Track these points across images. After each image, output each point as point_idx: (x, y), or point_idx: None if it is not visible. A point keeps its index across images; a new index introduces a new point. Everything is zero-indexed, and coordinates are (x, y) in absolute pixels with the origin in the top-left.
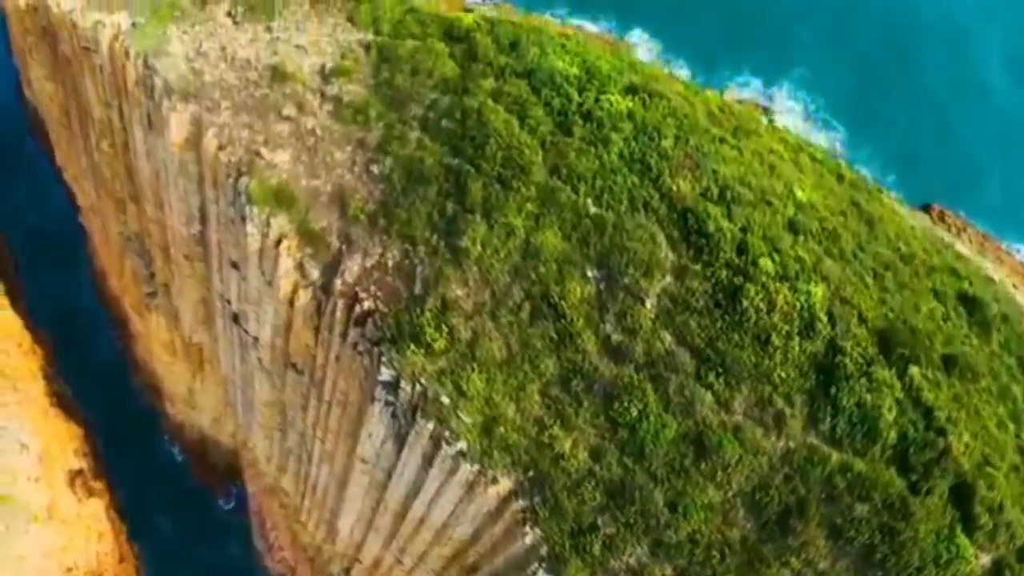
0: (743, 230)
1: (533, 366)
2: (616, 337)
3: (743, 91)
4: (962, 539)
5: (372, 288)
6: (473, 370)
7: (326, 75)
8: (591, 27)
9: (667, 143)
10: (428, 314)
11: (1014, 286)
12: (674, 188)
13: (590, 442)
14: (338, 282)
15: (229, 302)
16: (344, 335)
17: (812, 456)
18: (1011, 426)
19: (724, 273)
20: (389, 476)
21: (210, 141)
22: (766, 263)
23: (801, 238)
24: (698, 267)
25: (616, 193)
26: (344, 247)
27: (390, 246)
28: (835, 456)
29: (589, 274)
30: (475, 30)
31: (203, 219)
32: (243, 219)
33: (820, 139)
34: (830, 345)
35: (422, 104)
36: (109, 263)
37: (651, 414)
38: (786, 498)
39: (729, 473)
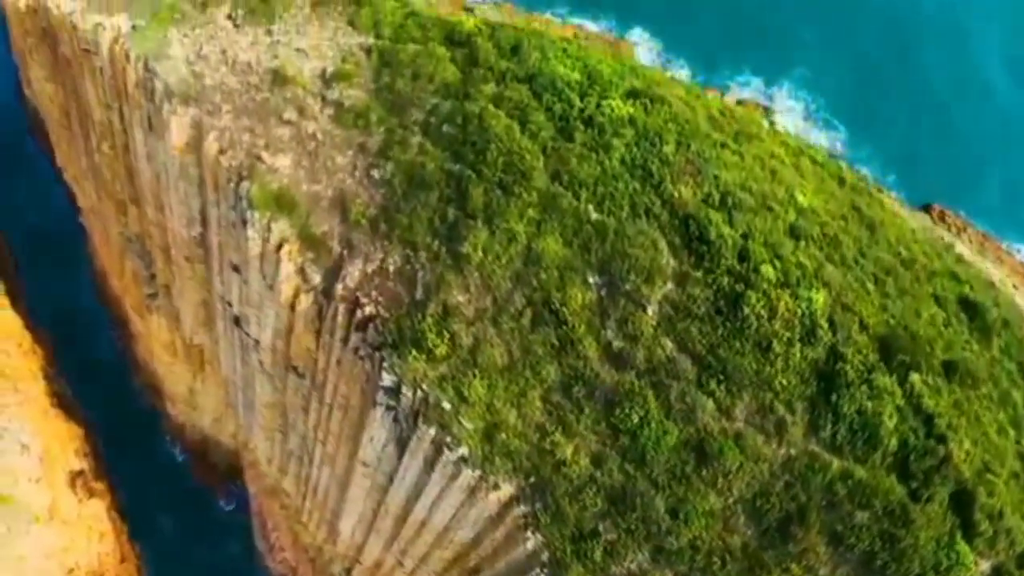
0: (744, 236)
1: (534, 372)
2: (617, 344)
3: (744, 91)
4: (962, 546)
5: (373, 293)
6: (474, 376)
7: (327, 79)
8: (591, 26)
9: (668, 149)
10: (429, 320)
11: (1014, 286)
12: (675, 194)
13: (591, 448)
14: (339, 287)
15: (230, 304)
16: (345, 340)
17: (813, 463)
18: (1011, 432)
19: (725, 280)
20: (390, 480)
21: (211, 145)
22: (767, 270)
23: (802, 244)
24: (699, 274)
25: (617, 199)
26: (345, 252)
27: (391, 251)
28: (836, 463)
29: (590, 280)
30: (476, 34)
31: (204, 222)
32: (244, 223)
33: (821, 139)
34: (831, 352)
35: (423, 109)
36: (109, 264)
37: (652, 421)
38: (787, 505)
39: (730, 480)
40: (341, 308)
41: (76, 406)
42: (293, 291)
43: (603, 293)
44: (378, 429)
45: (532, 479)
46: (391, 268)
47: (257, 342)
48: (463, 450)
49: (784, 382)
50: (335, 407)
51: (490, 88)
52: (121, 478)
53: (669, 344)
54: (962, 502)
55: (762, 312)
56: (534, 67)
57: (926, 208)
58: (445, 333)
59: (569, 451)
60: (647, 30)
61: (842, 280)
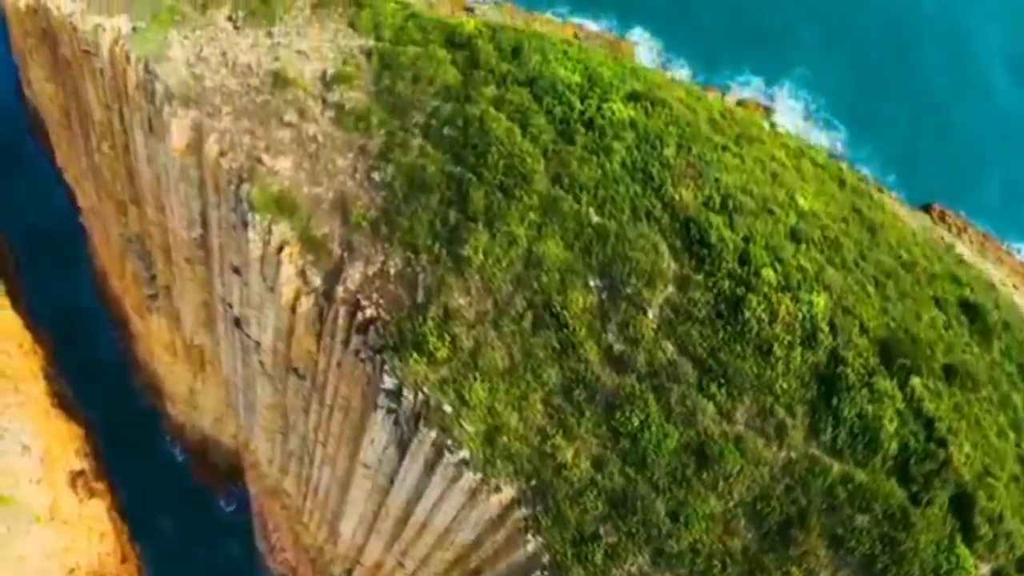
0: (745, 240)
1: (535, 375)
2: (618, 347)
3: (744, 90)
4: (962, 549)
5: (374, 296)
6: (475, 379)
7: (327, 81)
8: (592, 26)
9: (669, 152)
10: (430, 323)
11: (1014, 286)
12: (676, 197)
13: (592, 452)
14: (340, 289)
15: (231, 306)
16: (346, 342)
17: (813, 467)
18: (1011, 435)
19: (726, 283)
20: (391, 481)
21: (211, 147)
22: (768, 273)
23: (803, 247)
24: (700, 277)
25: (618, 202)
26: (346, 254)
27: (392, 254)
28: (836, 467)
29: (591, 284)
30: (477, 37)
31: (204, 223)
32: (245, 225)
33: (821, 138)
34: (832, 355)
35: (424, 111)
36: (110, 264)
37: (653, 424)
38: (787, 508)
39: (730, 483)
40: (342, 310)
41: (76, 406)
42: (294, 293)
43: (604, 296)
44: (379, 431)
45: (533, 482)
46: (392, 271)
47: (258, 343)
48: (464, 453)
49: (785, 385)
50: (336, 409)
51: (491, 91)
52: (122, 478)
53: (670, 347)
54: (962, 505)
55: (763, 315)
56: (535, 70)
57: (926, 208)
58: (446, 336)
59: (570, 454)
60: (647, 30)
61: (843, 283)
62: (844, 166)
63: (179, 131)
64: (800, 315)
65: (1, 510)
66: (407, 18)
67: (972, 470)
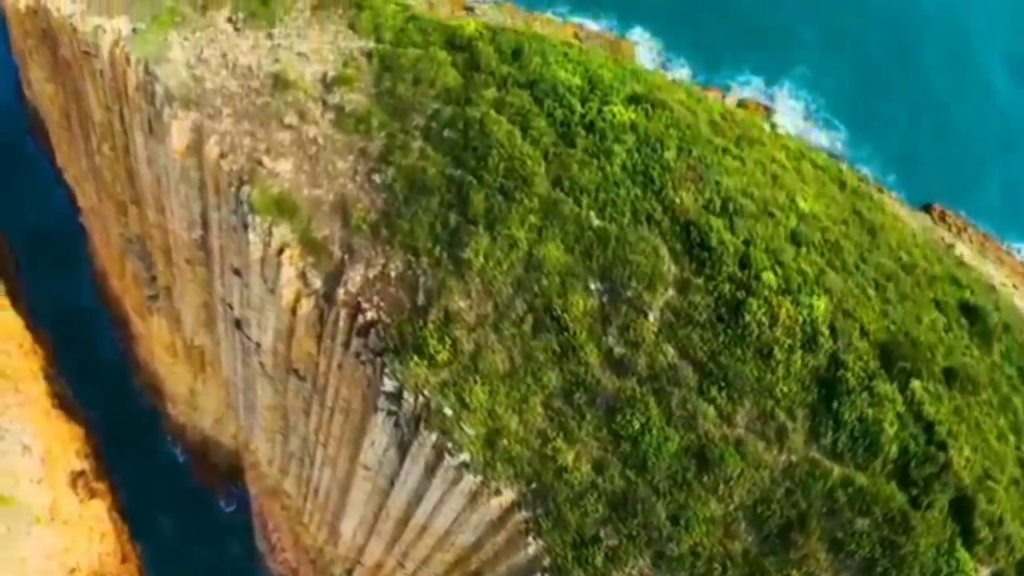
0: (746, 243)
1: (536, 379)
2: (619, 350)
3: (744, 90)
4: (962, 553)
5: (375, 298)
6: (476, 382)
7: (328, 83)
8: (592, 25)
9: (670, 155)
10: (431, 325)
11: (1014, 286)
12: (677, 200)
13: (593, 455)
14: (341, 292)
15: (231, 307)
16: (347, 344)
17: (814, 470)
18: (1011, 438)
19: (727, 287)
20: (391, 483)
21: (211, 149)
22: (769, 276)
23: (803, 250)
24: (701, 280)
25: (619, 205)
26: (346, 257)
27: (392, 256)
28: (836, 470)
29: (592, 287)
30: (477, 39)
31: (205, 225)
32: (245, 227)
33: (821, 138)
34: (832, 359)
35: (424, 114)
36: (110, 264)
37: (654, 427)
38: (787, 512)
39: (731, 486)
40: (342, 313)
41: (77, 406)
42: (294, 295)
43: (604, 299)
44: (379, 434)
45: (533, 485)
46: (392, 273)
47: (258, 345)
48: (464, 456)
49: (785, 389)
50: (336, 411)
51: (491, 93)
52: (122, 478)
53: (670, 351)
54: (962, 509)
55: (763, 319)
56: (535, 72)
57: (926, 208)
58: (447, 339)
59: (570, 457)
60: (648, 29)
61: (843, 286)
62: (844, 167)
63: (179, 133)
64: (800, 318)
65: (2, 510)
66: (407, 20)
67: (972, 473)
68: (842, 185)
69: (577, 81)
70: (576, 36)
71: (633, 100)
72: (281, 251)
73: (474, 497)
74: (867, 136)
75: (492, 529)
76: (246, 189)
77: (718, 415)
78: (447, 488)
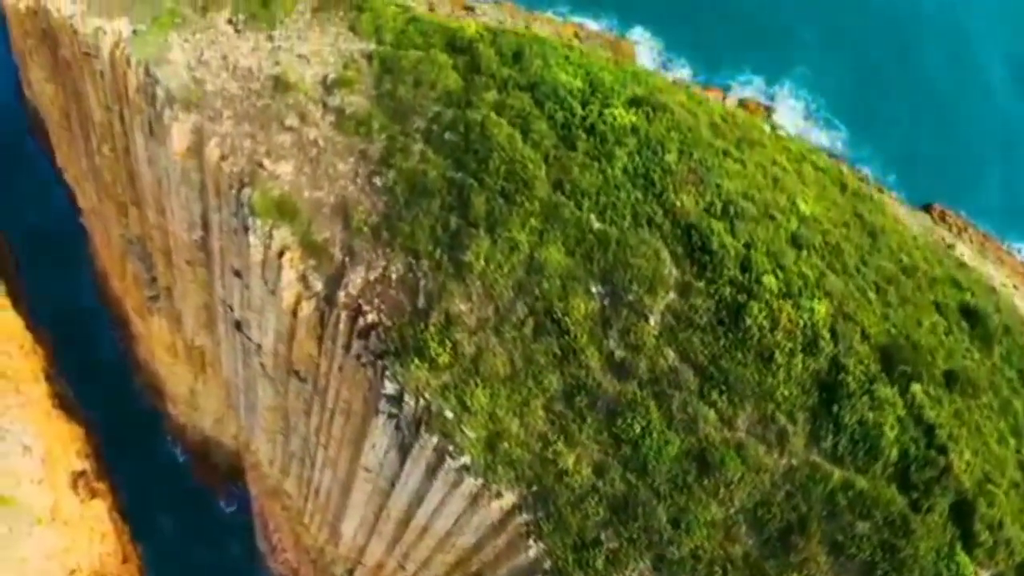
0: (747, 246)
1: (537, 382)
2: (620, 353)
3: (745, 89)
4: (962, 556)
5: (375, 301)
6: (477, 385)
7: (328, 86)
8: (592, 25)
9: (671, 158)
10: (432, 328)
11: (1015, 287)
12: (678, 204)
13: (593, 458)
14: (341, 294)
15: (232, 309)
16: (347, 347)
17: (814, 473)
18: (1012, 441)
19: (728, 290)
20: (392, 485)
21: (212, 151)
22: (769, 280)
23: (804, 253)
24: (702, 284)
25: (620, 209)
26: (347, 259)
27: (393, 259)
28: (837, 473)
29: (593, 290)
30: (478, 41)
31: (205, 226)
32: (246, 229)
33: (821, 138)
34: (832, 363)
35: (425, 116)
36: (110, 265)
37: (654, 431)
38: (788, 515)
39: (731, 490)
40: (343, 315)
41: (77, 407)
42: (295, 298)
43: (605, 303)
44: (380, 436)
45: (534, 488)
46: (393, 276)
47: (259, 346)
48: (465, 459)
49: (786, 392)
50: (337, 412)
51: (492, 96)
52: (122, 479)
53: (671, 354)
54: (962, 512)
55: (764, 323)
56: (536, 75)
57: (927, 208)
58: (447, 342)
59: (571, 460)
60: (648, 29)
61: (844, 289)
62: (845, 168)
63: (180, 135)
64: (801, 322)
65: (2, 511)
66: (408, 22)
67: (972, 477)
68: (843, 187)
69: (578, 84)
70: (576, 36)
71: (634, 103)
72: (282, 253)
73: (475, 500)
74: (867, 136)
75: (493, 531)
76: (247, 191)
77: (719, 418)
78: (448, 490)
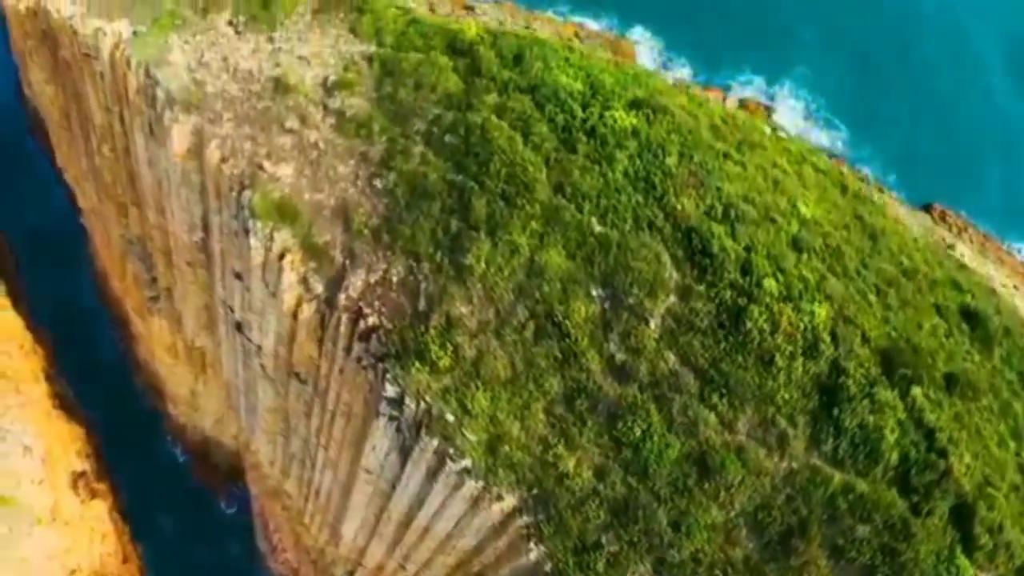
0: (747, 249)
1: (537, 385)
2: (620, 357)
3: (745, 89)
4: (962, 560)
5: (376, 303)
6: (478, 388)
7: (329, 88)
8: (593, 25)
9: (671, 160)
10: (433, 331)
11: (1015, 287)
12: (678, 207)
13: (594, 461)
14: (342, 297)
15: (232, 310)
16: (348, 349)
17: (814, 477)
18: (1012, 444)
19: (728, 294)
20: (393, 487)
21: (212, 153)
22: (770, 283)
23: (805, 256)
24: (702, 287)
25: (620, 212)
26: (348, 262)
27: (394, 262)
28: (837, 477)
29: (593, 293)
30: (479, 43)
31: (206, 228)
32: (246, 232)
33: (822, 138)
34: (833, 366)
35: (425, 119)
36: (111, 265)
37: (655, 434)
38: (788, 518)
39: (732, 493)
40: (344, 318)
41: (77, 407)
42: (295, 300)
43: (606, 306)
44: (381, 438)
45: (535, 491)
46: (394, 279)
47: (259, 348)
48: (466, 462)
49: (786, 396)
50: (338, 414)
51: (492, 98)
52: (123, 479)
53: (672, 357)
54: (962, 516)
55: (764, 326)
56: (536, 77)
57: (927, 208)
58: (448, 345)
59: (572, 463)
60: (648, 29)
61: (844, 292)
62: (846, 170)
63: (180, 136)
64: (801, 325)
65: (3, 511)
66: (408, 24)
67: (972, 480)
68: (843, 189)
69: (578, 86)
70: (576, 35)
71: (634, 105)
72: (282, 256)
73: (476, 502)
74: (867, 136)
75: (494, 534)
76: (247, 194)
77: (719, 422)
78: (449, 493)
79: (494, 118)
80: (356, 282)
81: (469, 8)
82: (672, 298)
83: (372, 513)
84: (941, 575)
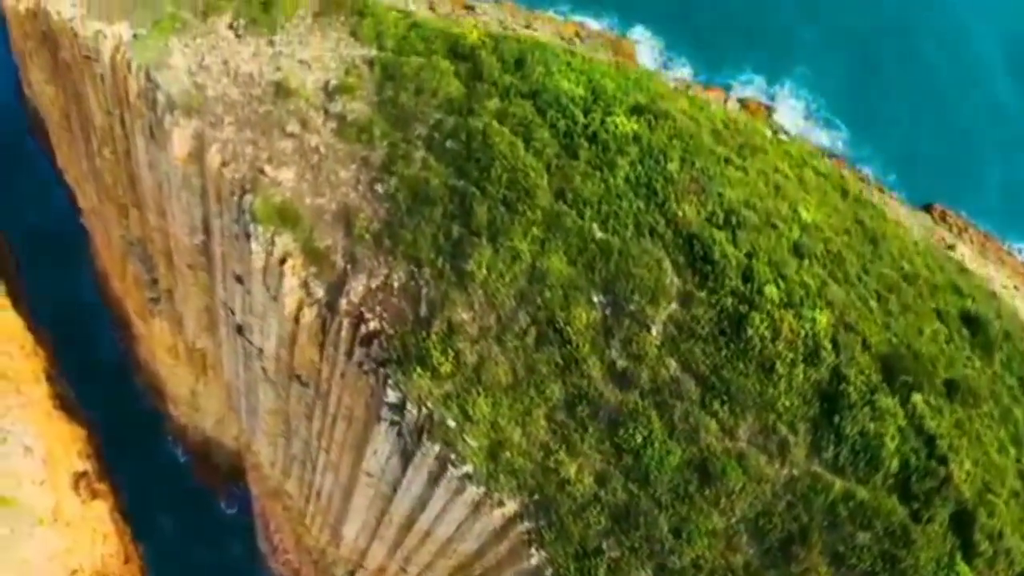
0: (748, 256)
1: (539, 391)
2: (621, 363)
3: (746, 89)
4: (962, 566)
5: (377, 309)
6: (479, 394)
7: (329, 92)
8: (593, 24)
9: (673, 166)
10: (434, 337)
11: (1015, 287)
12: (680, 213)
13: (595, 467)
14: (343, 301)
15: (233, 312)
16: (349, 354)
17: (815, 484)
18: (1012, 451)
19: (729, 300)
20: (394, 490)
21: (213, 157)
22: (771, 290)
23: (806, 262)
24: (703, 294)
25: (622, 218)
26: (349, 266)
27: (395, 267)
28: (838, 484)
29: (595, 300)
30: (480, 48)
31: (206, 230)
32: (247, 236)
33: (822, 138)
34: (834, 373)
35: (427, 124)
36: (111, 266)
37: (656, 440)
38: (789, 525)
39: (733, 500)
40: (345, 323)
41: (78, 407)
42: (296, 304)
43: (607, 312)
44: (382, 443)
45: (536, 497)
46: (395, 284)
47: (260, 350)
48: (468, 467)
49: (787, 403)
50: (339, 418)
51: (494, 103)
52: (124, 479)
53: (673, 364)
54: (962, 522)
55: (765, 333)
56: (538, 82)
57: (927, 208)
58: (450, 351)
59: (573, 470)
60: (649, 28)
61: (845, 298)
62: (846, 172)
63: (181, 140)
64: (803, 332)
65: (4, 512)
66: (409, 28)
67: (973, 487)
68: (844, 193)
69: (580, 91)
70: (577, 35)
71: (636, 111)
72: (283, 260)
73: (477, 507)
74: (868, 136)
75: (495, 539)
76: (248, 198)
77: (720, 428)
78: (450, 498)
79: (495, 123)
80: (357, 287)
81: (469, 7)
82: (673, 305)
83: (373, 516)
84: None
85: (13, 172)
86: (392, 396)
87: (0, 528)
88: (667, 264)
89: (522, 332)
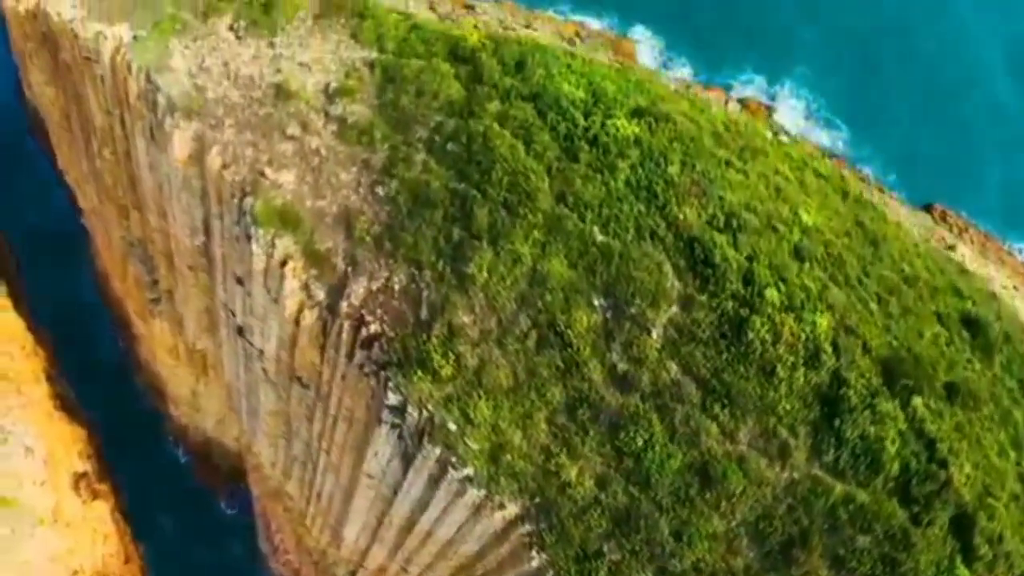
0: (749, 259)
1: (540, 394)
2: (622, 367)
3: (746, 88)
4: (962, 570)
5: (378, 311)
6: (480, 397)
7: (330, 94)
8: (593, 24)
9: (673, 169)
10: (435, 340)
11: (1015, 288)
12: (680, 216)
13: (596, 470)
14: (344, 304)
15: (234, 314)
16: (350, 356)
17: (816, 487)
18: (1012, 454)
19: (730, 304)
20: (395, 492)
21: (214, 159)
22: (772, 294)
23: (806, 265)
24: (704, 298)
25: (623, 221)
26: (350, 269)
27: (396, 270)
28: (838, 487)
29: (596, 303)
30: (480, 50)
31: (207, 232)
32: (248, 238)
33: (822, 137)
34: (834, 376)
35: (427, 126)
36: (112, 266)
37: (657, 444)
38: (789, 528)
39: (733, 503)
40: (346, 325)
41: (78, 407)
42: (297, 306)
43: (608, 316)
44: (383, 445)
45: (537, 499)
46: (396, 287)
47: (261, 352)
48: (468, 470)
49: (787, 406)
50: (340, 419)
51: (494, 106)
52: (124, 479)
53: (674, 368)
54: (962, 526)
55: (766, 336)
56: (539, 85)
57: (928, 208)
58: (450, 354)
59: (574, 473)
60: (649, 28)
61: (846, 302)
62: (847, 173)
63: (181, 142)
64: (803, 336)
65: (5, 512)
66: (410, 30)
67: (973, 490)
68: (844, 194)
69: (580, 94)
70: (577, 34)
71: (637, 113)
72: (284, 262)
73: (478, 510)
74: (868, 135)
75: (495, 541)
76: (249, 200)
77: (721, 432)
78: (451, 500)
79: (496, 126)
80: (358, 289)
81: (470, 7)
82: (674, 308)
83: (374, 517)
84: None
85: (13, 172)
86: (393, 399)
87: (1, 529)
88: (668, 267)
89: (523, 335)
